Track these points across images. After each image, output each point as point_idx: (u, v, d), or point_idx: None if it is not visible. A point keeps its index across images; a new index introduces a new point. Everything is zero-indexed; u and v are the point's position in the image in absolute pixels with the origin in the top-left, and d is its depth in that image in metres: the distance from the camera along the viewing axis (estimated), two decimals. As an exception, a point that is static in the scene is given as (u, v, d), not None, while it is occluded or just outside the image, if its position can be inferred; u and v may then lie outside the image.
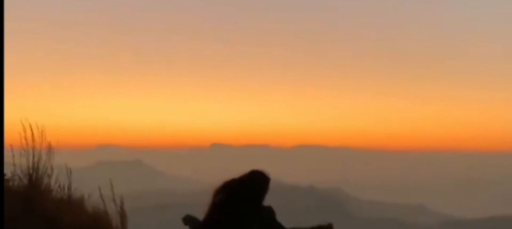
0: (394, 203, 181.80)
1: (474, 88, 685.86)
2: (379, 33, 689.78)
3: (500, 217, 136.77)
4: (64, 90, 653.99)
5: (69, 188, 6.10)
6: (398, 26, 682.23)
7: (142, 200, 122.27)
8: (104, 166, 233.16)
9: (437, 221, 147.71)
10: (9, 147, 5.64)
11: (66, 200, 6.04)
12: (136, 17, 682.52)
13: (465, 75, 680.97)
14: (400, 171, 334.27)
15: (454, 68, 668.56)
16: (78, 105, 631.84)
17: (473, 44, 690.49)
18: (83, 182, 6.60)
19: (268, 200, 4.17)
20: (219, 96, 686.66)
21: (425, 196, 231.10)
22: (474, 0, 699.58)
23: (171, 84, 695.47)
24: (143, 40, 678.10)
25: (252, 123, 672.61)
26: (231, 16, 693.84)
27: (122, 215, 6.05)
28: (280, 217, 4.17)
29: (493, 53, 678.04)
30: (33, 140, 5.82)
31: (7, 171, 5.77)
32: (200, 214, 4.25)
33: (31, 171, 5.85)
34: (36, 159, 5.86)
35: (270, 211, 4.10)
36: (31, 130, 5.83)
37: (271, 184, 4.19)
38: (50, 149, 5.94)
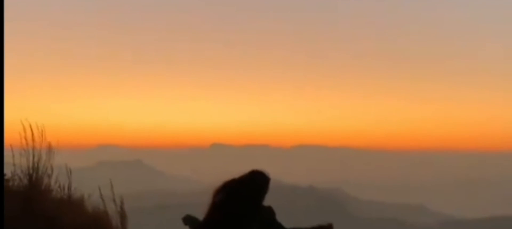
0: (394, 203, 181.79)
1: (474, 88, 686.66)
2: (379, 33, 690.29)
3: (500, 217, 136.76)
4: (64, 90, 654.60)
5: (69, 188, 6.09)
6: (398, 26, 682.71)
7: (142, 200, 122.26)
8: (104, 166, 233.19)
9: (437, 221, 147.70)
10: (9, 147, 5.64)
11: (66, 200, 6.04)
12: (136, 17, 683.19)
13: (465, 75, 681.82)
14: (400, 171, 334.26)
15: (454, 68, 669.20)
16: (78, 105, 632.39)
17: (473, 44, 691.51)
18: (83, 182, 6.60)
19: (268, 200, 4.17)
20: (219, 96, 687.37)
21: (425, 196, 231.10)
22: (474, 0, 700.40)
23: (171, 84, 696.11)
24: (143, 40, 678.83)
25: (252, 123, 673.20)
26: (231, 16, 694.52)
27: (122, 215, 6.05)
28: (280, 217, 4.17)
29: (493, 53, 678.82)
30: (33, 140, 5.82)
31: (7, 171, 5.77)
32: (200, 214, 4.25)
33: (31, 171, 5.85)
34: (36, 159, 5.86)
35: (270, 211, 4.10)
36: (31, 130, 5.83)
37: (271, 184, 4.19)
38: (50, 149, 5.94)
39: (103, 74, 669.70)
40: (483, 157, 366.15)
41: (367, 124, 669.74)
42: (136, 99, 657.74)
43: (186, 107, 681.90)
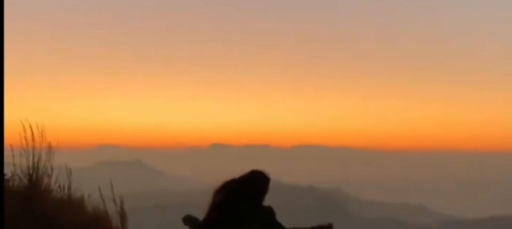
0: (394, 203, 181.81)
1: (474, 88, 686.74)
2: (379, 33, 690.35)
3: (500, 217, 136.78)
4: (64, 90, 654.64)
5: (69, 188, 6.10)
6: (398, 26, 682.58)
7: (142, 200, 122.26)
8: (104, 166, 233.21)
9: (437, 221, 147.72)
10: (9, 147, 5.65)
11: (66, 200, 6.04)
12: (136, 17, 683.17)
13: (465, 75, 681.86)
14: (400, 171, 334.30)
15: (454, 68, 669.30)
16: (78, 105, 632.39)
17: (473, 44, 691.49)
18: (83, 182, 6.60)
19: (268, 200, 4.18)
20: (219, 96, 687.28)
21: (425, 196, 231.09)
22: (474, 0, 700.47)
23: (171, 84, 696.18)
24: (143, 40, 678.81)
25: (252, 123, 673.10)
26: (231, 16, 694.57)
27: (122, 215, 6.06)
28: (280, 217, 4.17)
29: (493, 53, 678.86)
30: (33, 140, 5.82)
31: (7, 171, 5.77)
32: (200, 214, 4.26)
33: (31, 171, 5.85)
34: (36, 159, 5.86)
35: (270, 211, 4.10)
36: (31, 130, 5.83)
37: (271, 184, 4.19)
38: (50, 149, 5.94)
39: (103, 74, 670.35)
40: (483, 157, 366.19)
41: (367, 124, 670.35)
42: (136, 100, 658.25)
43: (186, 107, 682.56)
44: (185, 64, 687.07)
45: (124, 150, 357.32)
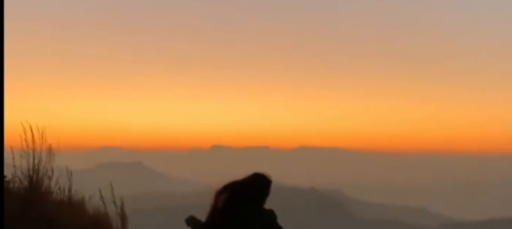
0: (395, 205, 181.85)
1: (474, 89, 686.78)
2: (379, 33, 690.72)
3: (500, 220, 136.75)
4: (64, 91, 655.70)
5: (70, 190, 6.09)
6: (398, 26, 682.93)
7: (142, 202, 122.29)
8: (105, 168, 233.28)
9: (438, 223, 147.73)
10: (9, 149, 5.63)
11: (67, 202, 6.03)
12: (136, 17, 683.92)
13: (465, 75, 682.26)
14: (401, 173, 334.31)
15: (454, 68, 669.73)
16: (78, 105, 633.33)
17: (473, 44, 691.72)
18: (83, 184, 6.60)
19: (269, 202, 4.17)
20: (219, 97, 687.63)
21: (426, 198, 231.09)
22: (474, 0, 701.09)
23: (171, 85, 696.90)
24: (143, 40, 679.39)
25: (252, 124, 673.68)
26: (231, 16, 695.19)
27: (123, 217, 6.05)
28: (281, 219, 4.16)
29: (493, 53, 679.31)
30: (33, 141, 5.81)
31: (8, 172, 5.76)
32: (200, 216, 4.26)
33: (31, 173, 5.84)
34: (36, 160, 5.85)
35: (272, 214, 4.10)
36: (32, 131, 5.82)
37: (272, 186, 4.19)
38: (50, 151, 5.93)
39: (103, 74, 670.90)
40: (483, 160, 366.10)
41: (367, 126, 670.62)
42: (136, 101, 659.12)
43: (186, 108, 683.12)
44: (185, 64, 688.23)
45: (124, 151, 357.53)
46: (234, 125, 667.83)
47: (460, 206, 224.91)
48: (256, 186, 4.10)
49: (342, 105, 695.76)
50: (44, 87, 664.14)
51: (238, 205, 4.04)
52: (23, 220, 5.40)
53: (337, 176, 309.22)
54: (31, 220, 5.46)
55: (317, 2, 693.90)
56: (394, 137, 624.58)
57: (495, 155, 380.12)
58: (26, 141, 5.78)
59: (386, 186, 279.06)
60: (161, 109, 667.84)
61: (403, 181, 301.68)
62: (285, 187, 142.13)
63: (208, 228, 4.11)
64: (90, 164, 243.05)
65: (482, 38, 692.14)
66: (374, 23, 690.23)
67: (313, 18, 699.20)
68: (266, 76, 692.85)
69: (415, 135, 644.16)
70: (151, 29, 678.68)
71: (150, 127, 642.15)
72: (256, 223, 4.02)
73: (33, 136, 5.81)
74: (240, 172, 4.21)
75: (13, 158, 5.75)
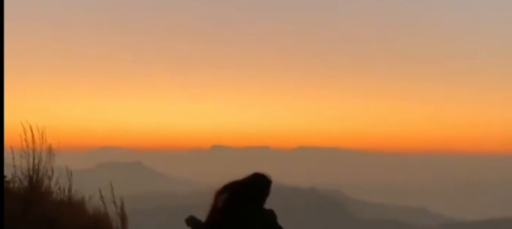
0: (395, 205, 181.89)
1: (474, 89, 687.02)
2: (379, 33, 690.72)
3: (500, 219, 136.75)
4: (64, 91, 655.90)
5: (70, 190, 6.09)
6: (398, 26, 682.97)
7: (142, 202, 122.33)
8: (105, 168, 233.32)
9: (438, 223, 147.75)
10: (9, 149, 5.63)
11: (67, 202, 6.03)
12: (136, 17, 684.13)
13: (465, 75, 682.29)
14: (401, 173, 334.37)
15: (454, 69, 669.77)
16: (78, 105, 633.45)
17: (473, 44, 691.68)
18: (83, 184, 6.60)
19: (269, 202, 4.18)
20: (219, 98, 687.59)
21: (426, 198, 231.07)
22: (474, 0, 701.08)
23: (171, 85, 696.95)
24: (143, 40, 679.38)
25: (252, 124, 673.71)
26: (231, 16, 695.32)
27: (123, 217, 6.05)
28: (281, 219, 4.17)
29: (493, 53, 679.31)
30: (33, 141, 5.81)
31: (8, 172, 5.76)
32: (200, 215, 4.26)
33: (31, 173, 5.84)
34: (36, 160, 5.84)
35: (272, 214, 4.10)
36: (32, 131, 5.82)
37: (272, 186, 4.20)
38: (50, 151, 5.93)
39: (103, 74, 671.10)
40: (483, 160, 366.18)
41: (368, 126, 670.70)
42: (136, 101, 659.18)
43: (186, 108, 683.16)
44: (185, 64, 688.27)
45: (124, 151, 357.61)
46: (234, 125, 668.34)
47: (460, 206, 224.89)
48: (256, 186, 4.10)
49: (342, 105, 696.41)
50: (44, 87, 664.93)
51: (238, 205, 4.04)
52: (23, 220, 5.40)
53: (337, 176, 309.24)
54: (31, 220, 5.45)
55: (317, 2, 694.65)
56: (394, 137, 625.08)
57: (495, 155, 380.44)
58: (26, 141, 5.78)
59: (386, 186, 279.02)
60: (161, 109, 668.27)
61: (403, 181, 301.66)
62: (285, 187, 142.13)
63: (208, 228, 4.11)
64: (90, 164, 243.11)
65: (482, 38, 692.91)
66: (374, 23, 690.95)
67: (313, 18, 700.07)
68: (266, 76, 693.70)
69: (415, 135, 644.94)
70: (151, 29, 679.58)
71: (150, 127, 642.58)
72: (256, 223, 4.02)
73: (33, 136, 5.81)
74: (240, 172, 4.21)
75: (13, 158, 5.75)
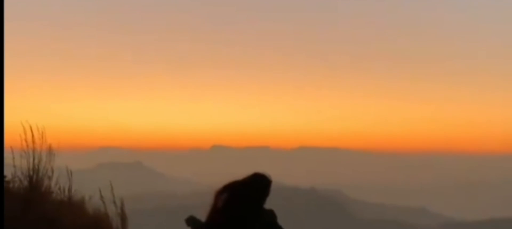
0: (395, 205, 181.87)
1: (474, 89, 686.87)
2: (379, 33, 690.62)
3: (500, 219, 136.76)
4: (64, 91, 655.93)
5: (70, 190, 6.09)
6: (398, 26, 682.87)
7: (142, 202, 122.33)
8: (105, 168, 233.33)
9: (438, 223, 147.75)
10: (9, 149, 5.63)
11: (67, 202, 6.03)
12: (136, 17, 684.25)
13: (465, 75, 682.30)
14: (401, 173, 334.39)
15: (453, 69, 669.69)
16: (78, 105, 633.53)
17: (473, 44, 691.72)
18: (83, 184, 6.60)
19: (269, 202, 4.18)
20: (219, 98, 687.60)
21: (426, 198, 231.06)
22: (474, 0, 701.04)
23: (171, 85, 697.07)
24: (143, 40, 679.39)
25: (252, 124, 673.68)
26: (231, 16, 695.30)
27: (123, 217, 6.05)
28: (281, 219, 4.17)
29: (493, 53, 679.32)
30: (33, 141, 5.80)
31: (8, 172, 5.76)
32: (200, 215, 4.25)
33: (31, 173, 5.84)
34: (36, 160, 5.84)
35: (271, 214, 4.10)
36: (32, 131, 5.82)
37: (272, 186, 4.20)
38: (50, 151, 5.92)
39: (103, 74, 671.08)
40: (483, 160, 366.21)
41: (368, 126, 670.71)
42: (136, 101, 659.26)
43: (186, 108, 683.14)
44: (185, 64, 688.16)
45: (124, 151, 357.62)
46: (234, 125, 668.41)
47: (460, 206, 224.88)
48: (256, 186, 4.10)
49: (342, 105, 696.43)
50: (44, 87, 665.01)
51: (238, 205, 4.04)
52: (23, 220, 5.40)
53: (337, 176, 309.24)
54: (31, 220, 5.45)
55: (317, 2, 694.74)
56: (394, 137, 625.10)
57: (495, 155, 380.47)
58: (26, 141, 5.78)
59: (386, 186, 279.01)
60: (161, 109, 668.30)
61: (403, 181, 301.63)
62: (285, 187, 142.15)
63: (208, 228, 4.11)
64: (90, 164, 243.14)
65: (482, 38, 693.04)
66: (374, 23, 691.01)
67: (313, 18, 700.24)
68: (266, 76, 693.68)
69: (415, 135, 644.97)
70: (151, 29, 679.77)
71: (150, 127, 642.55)
72: (256, 223, 4.02)
73: (33, 136, 5.81)
74: (240, 172, 4.21)
75: (13, 158, 5.75)
